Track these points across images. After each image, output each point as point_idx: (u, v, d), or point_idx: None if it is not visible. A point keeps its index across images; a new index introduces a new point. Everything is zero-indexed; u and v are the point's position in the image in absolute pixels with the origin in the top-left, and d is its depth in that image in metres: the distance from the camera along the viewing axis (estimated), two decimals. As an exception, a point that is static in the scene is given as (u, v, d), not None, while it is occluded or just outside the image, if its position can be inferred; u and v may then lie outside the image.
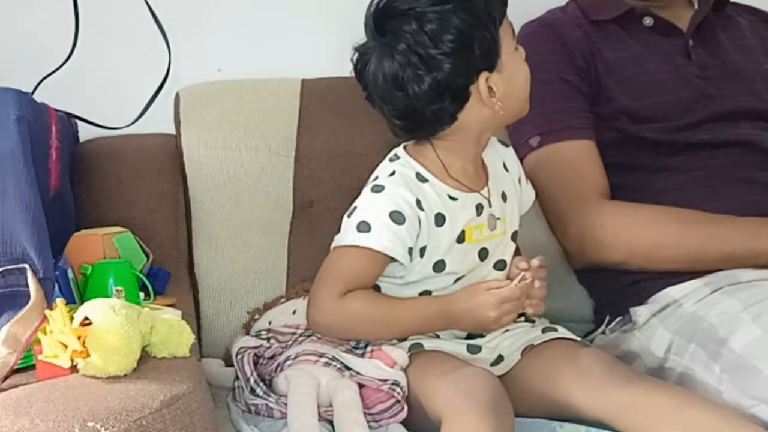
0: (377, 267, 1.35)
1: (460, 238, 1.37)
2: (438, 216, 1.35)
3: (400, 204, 1.32)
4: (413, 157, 1.38)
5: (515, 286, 1.34)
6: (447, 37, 1.28)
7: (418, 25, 1.28)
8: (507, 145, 1.50)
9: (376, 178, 1.38)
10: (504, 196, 1.43)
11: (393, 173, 1.36)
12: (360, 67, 1.34)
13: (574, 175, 1.58)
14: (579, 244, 1.57)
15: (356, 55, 1.35)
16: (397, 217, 1.32)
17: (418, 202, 1.33)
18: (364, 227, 1.32)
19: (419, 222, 1.33)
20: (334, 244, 1.36)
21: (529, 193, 1.51)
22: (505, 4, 1.35)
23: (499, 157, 1.46)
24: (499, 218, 1.41)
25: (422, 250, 1.35)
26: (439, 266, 1.36)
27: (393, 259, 1.34)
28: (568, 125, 1.60)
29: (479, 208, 1.38)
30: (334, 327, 1.36)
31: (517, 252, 1.47)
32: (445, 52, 1.28)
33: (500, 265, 1.42)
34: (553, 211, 1.61)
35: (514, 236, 1.44)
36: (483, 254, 1.39)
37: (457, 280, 1.38)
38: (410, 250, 1.34)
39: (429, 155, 1.37)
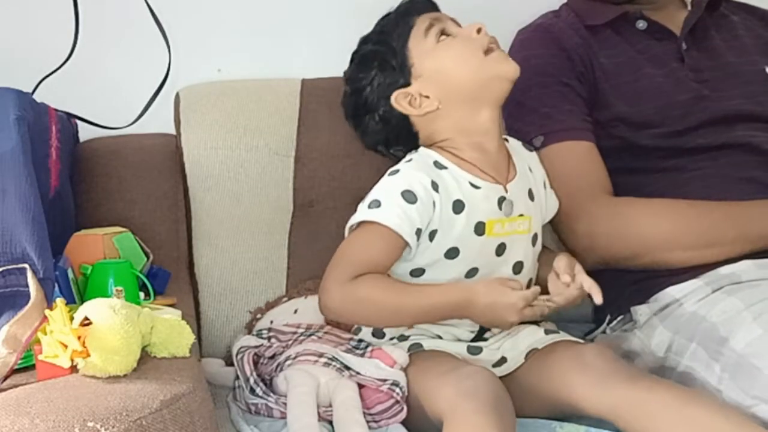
0: (389, 247, 1.33)
1: (480, 230, 1.36)
2: (456, 203, 1.35)
3: (413, 184, 1.33)
4: (432, 149, 1.40)
5: (547, 302, 1.33)
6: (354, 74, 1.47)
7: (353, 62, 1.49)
8: (530, 150, 1.51)
9: (395, 166, 1.40)
10: (531, 194, 1.43)
11: (410, 160, 1.39)
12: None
13: (581, 172, 1.56)
14: (589, 241, 1.53)
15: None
16: (408, 197, 1.32)
17: (434, 184, 1.34)
18: (374, 204, 1.34)
19: (433, 204, 1.33)
20: (347, 226, 1.37)
21: (553, 202, 1.51)
22: (417, 11, 1.40)
23: (524, 161, 1.47)
24: (522, 215, 1.40)
25: (432, 235, 1.35)
26: (451, 253, 1.36)
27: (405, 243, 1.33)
28: (571, 126, 1.59)
29: (501, 201, 1.38)
30: (342, 311, 1.35)
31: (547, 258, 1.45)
32: (353, 89, 1.47)
33: (518, 267, 1.41)
34: (560, 209, 1.59)
35: (534, 240, 1.44)
36: (500, 250, 1.39)
37: (470, 273, 1.38)
38: (419, 231, 1.33)
39: (445, 151, 1.40)
